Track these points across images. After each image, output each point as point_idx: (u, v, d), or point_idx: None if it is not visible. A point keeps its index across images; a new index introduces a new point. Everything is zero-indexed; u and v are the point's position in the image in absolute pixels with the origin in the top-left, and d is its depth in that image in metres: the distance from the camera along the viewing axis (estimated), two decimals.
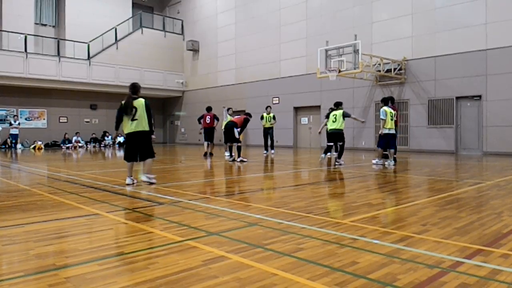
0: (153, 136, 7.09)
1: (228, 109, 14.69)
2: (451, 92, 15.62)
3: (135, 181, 7.01)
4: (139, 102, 6.86)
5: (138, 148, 6.95)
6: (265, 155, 14.79)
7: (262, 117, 15.51)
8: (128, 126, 6.84)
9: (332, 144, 11.18)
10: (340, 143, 11.02)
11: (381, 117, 10.60)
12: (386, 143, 10.70)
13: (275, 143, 16.14)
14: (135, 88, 7.01)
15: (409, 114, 16.86)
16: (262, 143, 15.96)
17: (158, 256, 3.00)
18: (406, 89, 16.94)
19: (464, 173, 9.00)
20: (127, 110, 6.80)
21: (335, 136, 10.90)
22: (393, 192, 6.23)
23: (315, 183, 7.60)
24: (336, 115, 10.78)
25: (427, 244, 3.28)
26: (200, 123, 15.22)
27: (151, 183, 6.91)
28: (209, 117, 14.99)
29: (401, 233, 3.63)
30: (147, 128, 6.86)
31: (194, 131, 27.24)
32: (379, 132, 10.84)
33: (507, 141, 14.27)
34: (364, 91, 17.97)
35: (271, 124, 15.45)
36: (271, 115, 15.61)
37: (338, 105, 11.04)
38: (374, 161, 10.86)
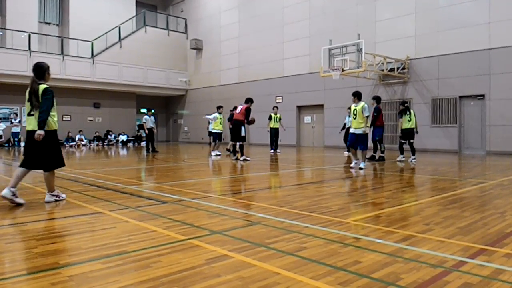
0: (39, 132, 4.77)
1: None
2: (454, 91, 15.55)
3: (16, 198, 4.90)
4: (39, 90, 4.92)
5: (32, 153, 4.97)
6: (272, 153, 14.85)
7: (270, 117, 15.66)
8: (27, 123, 5.07)
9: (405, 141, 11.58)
10: (412, 141, 11.52)
11: (367, 114, 9.34)
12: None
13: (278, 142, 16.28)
14: (39, 70, 5.03)
15: None
16: (265, 141, 16.00)
17: (161, 254, 3.00)
18: (409, 88, 16.89)
19: (467, 173, 8.96)
20: (30, 99, 4.96)
21: (409, 135, 11.44)
22: (396, 191, 6.21)
23: (318, 182, 7.59)
24: (411, 114, 11.34)
25: (430, 244, 3.27)
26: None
27: (58, 200, 5.22)
28: None
29: (404, 233, 3.62)
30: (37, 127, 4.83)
31: (197, 129, 27.31)
32: (364, 131, 9.38)
33: (510, 141, 14.20)
34: (368, 90, 17.88)
35: (278, 124, 15.66)
36: (278, 115, 15.81)
37: (404, 104, 11.64)
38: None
